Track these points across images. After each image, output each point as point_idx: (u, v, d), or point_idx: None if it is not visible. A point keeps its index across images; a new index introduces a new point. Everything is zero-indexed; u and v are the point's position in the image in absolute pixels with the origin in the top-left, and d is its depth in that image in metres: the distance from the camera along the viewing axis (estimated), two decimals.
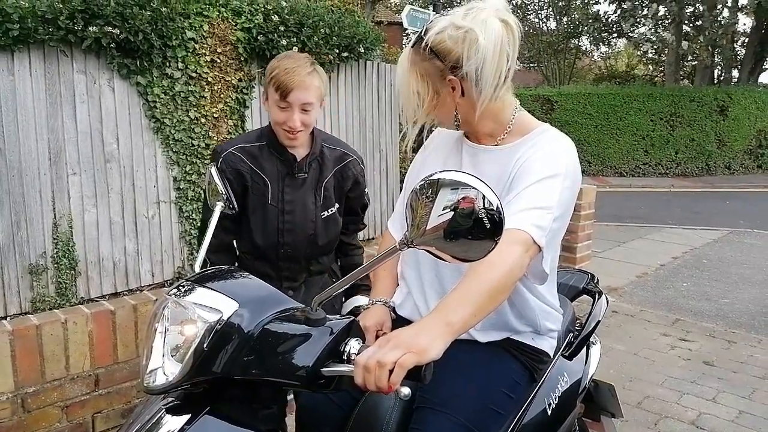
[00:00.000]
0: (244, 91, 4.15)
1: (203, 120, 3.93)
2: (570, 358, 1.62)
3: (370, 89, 5.08)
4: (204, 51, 3.86)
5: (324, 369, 0.98)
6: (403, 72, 1.28)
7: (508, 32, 1.22)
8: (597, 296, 1.88)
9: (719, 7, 13.33)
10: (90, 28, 3.23)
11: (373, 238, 5.07)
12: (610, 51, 24.62)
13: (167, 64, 3.68)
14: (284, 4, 4.23)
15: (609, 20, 17.48)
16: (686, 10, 14.17)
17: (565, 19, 21.40)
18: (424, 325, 1.02)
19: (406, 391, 0.93)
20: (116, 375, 2.23)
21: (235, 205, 1.52)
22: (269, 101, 1.71)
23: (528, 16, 23.03)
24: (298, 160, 1.79)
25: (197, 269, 1.26)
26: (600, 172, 13.01)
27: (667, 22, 15.42)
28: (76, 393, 2.14)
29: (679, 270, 5.56)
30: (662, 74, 20.14)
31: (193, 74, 3.82)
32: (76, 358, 2.12)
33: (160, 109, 3.71)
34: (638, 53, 21.69)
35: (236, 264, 1.90)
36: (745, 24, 16.39)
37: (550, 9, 22.47)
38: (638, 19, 14.86)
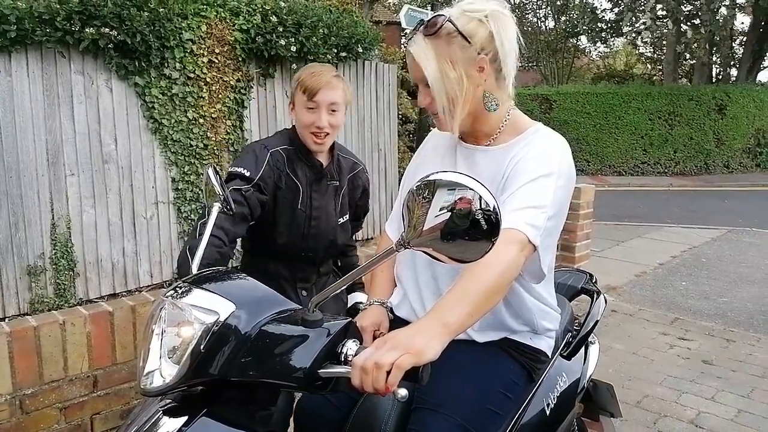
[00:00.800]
0: (243, 91, 4.15)
1: (201, 120, 3.92)
2: (568, 357, 1.62)
3: (369, 89, 5.08)
4: (202, 51, 3.85)
5: (321, 370, 0.98)
6: (429, 60, 1.23)
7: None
8: (595, 295, 1.88)
9: (717, 3, 13.33)
10: (87, 29, 3.23)
11: (371, 238, 5.07)
12: (608, 50, 24.64)
13: (165, 64, 3.68)
14: (282, 4, 4.22)
15: (607, 18, 17.48)
16: (684, 8, 14.16)
17: (563, 18, 21.40)
18: (421, 326, 1.02)
19: (403, 392, 0.93)
20: (114, 376, 2.23)
21: (233, 206, 1.51)
22: (296, 107, 1.76)
23: (527, 16, 23.05)
24: (325, 167, 1.84)
25: (194, 270, 1.26)
26: (599, 171, 13.01)
27: (664, 20, 15.42)
28: (75, 394, 2.14)
29: (678, 269, 5.56)
30: (661, 73, 20.14)
31: (191, 75, 3.81)
32: (75, 360, 2.12)
33: (158, 110, 3.71)
34: (636, 52, 21.69)
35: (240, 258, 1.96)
36: (743, 22, 16.41)
37: (549, 8, 22.49)
38: (636, 15, 14.84)
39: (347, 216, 1.95)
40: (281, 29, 4.13)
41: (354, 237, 2.14)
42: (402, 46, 12.79)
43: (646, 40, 15.70)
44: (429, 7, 10.72)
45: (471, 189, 0.88)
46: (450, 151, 1.41)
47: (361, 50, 4.79)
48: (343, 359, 1.00)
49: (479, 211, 0.88)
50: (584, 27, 16.93)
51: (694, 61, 15.54)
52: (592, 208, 4.48)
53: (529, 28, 22.57)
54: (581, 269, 2.23)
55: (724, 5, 13.40)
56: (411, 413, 1.27)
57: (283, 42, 4.12)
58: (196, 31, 3.78)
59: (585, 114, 12.94)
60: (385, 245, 1.57)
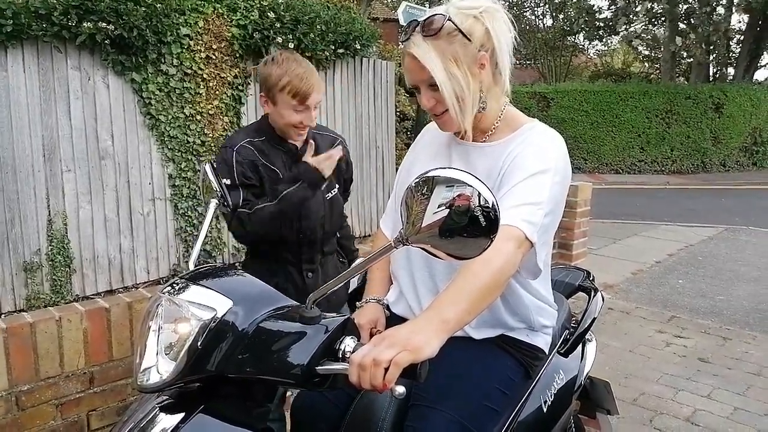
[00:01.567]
0: (240, 87, 4.13)
1: (198, 117, 3.91)
2: (566, 355, 1.63)
3: (366, 86, 5.07)
4: (199, 47, 3.84)
5: (319, 367, 0.97)
6: (435, 61, 1.21)
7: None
8: (592, 293, 1.88)
9: (713, 4, 13.35)
10: (84, 24, 3.21)
11: (368, 235, 5.07)
12: (606, 48, 24.64)
13: (162, 60, 3.66)
14: (280, 0, 4.21)
15: (603, 17, 17.46)
16: (680, 8, 14.18)
17: (561, 16, 21.39)
18: (418, 323, 1.01)
19: (400, 390, 0.93)
20: (111, 373, 2.22)
21: (230, 202, 1.51)
22: (279, 105, 1.79)
23: (524, 13, 23.02)
24: (300, 148, 1.89)
25: (191, 266, 1.25)
26: (596, 169, 13.02)
27: (661, 20, 15.43)
28: (71, 391, 2.13)
29: (675, 267, 5.57)
30: (658, 72, 20.16)
31: (189, 71, 3.80)
32: (71, 356, 2.11)
33: (155, 106, 3.69)
34: (634, 51, 21.70)
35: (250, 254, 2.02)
36: (740, 21, 16.42)
37: (547, 6, 22.47)
38: (631, 17, 14.84)
39: (335, 190, 1.99)
40: (278, 26, 4.12)
41: (351, 226, 2.18)
42: (400, 43, 12.76)
43: (641, 41, 15.70)
44: (427, 5, 10.71)
45: (470, 186, 0.88)
46: (444, 147, 1.40)
47: (358, 47, 4.78)
48: (340, 356, 1.00)
49: (478, 207, 0.87)
50: (581, 26, 16.91)
51: (692, 60, 15.53)
52: (590, 206, 4.48)
53: (527, 26, 22.55)
54: (578, 267, 2.23)
55: (721, 5, 13.42)
56: (408, 410, 1.27)
57: (280, 38, 4.11)
58: (194, 27, 3.77)
59: (582, 112, 12.94)
60: (381, 242, 1.56)
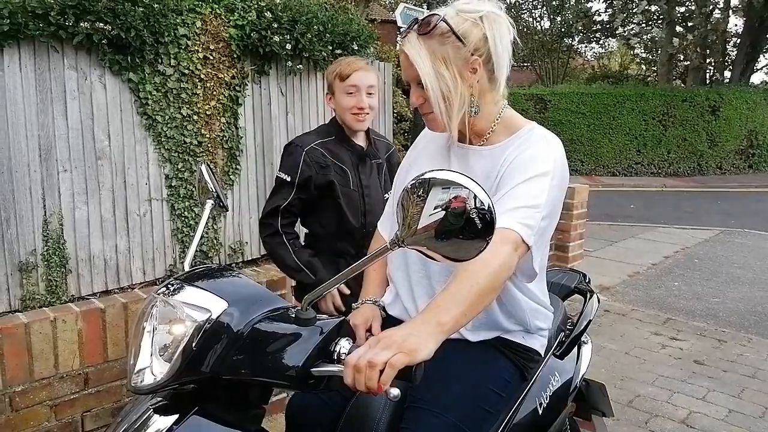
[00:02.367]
0: (237, 88, 4.13)
1: (196, 117, 3.91)
2: (561, 357, 1.63)
3: None
4: (197, 48, 3.84)
5: (314, 369, 0.97)
6: (423, 58, 1.22)
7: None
8: (589, 295, 1.88)
9: (710, 7, 13.39)
10: (81, 24, 3.21)
11: None
12: (603, 51, 24.70)
13: (159, 60, 3.66)
14: (277, 1, 4.21)
15: (600, 19, 17.50)
16: (677, 10, 14.22)
17: (558, 18, 21.43)
18: (414, 325, 1.01)
19: (395, 392, 0.92)
20: (106, 374, 2.21)
21: (225, 204, 1.51)
22: (336, 95, 1.92)
23: (522, 16, 23.06)
24: (365, 149, 2.01)
25: (187, 267, 1.25)
26: (592, 172, 13.05)
27: (658, 21, 15.47)
28: (65, 392, 2.12)
29: (671, 269, 5.58)
30: (655, 74, 20.21)
31: (186, 71, 3.79)
32: (66, 357, 2.10)
33: (152, 106, 3.69)
34: (631, 53, 21.76)
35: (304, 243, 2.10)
36: (736, 25, 16.49)
37: (544, 8, 22.51)
38: (628, 17, 14.87)
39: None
40: (276, 26, 4.12)
41: None
42: (398, 44, 12.77)
43: (638, 41, 15.74)
44: (425, 6, 10.71)
45: (466, 188, 0.87)
46: (443, 150, 1.40)
47: (356, 48, 4.78)
48: (335, 358, 0.99)
49: (474, 209, 0.87)
50: (578, 28, 16.95)
51: (688, 63, 15.57)
52: (586, 208, 4.49)
53: (524, 28, 22.58)
54: (574, 269, 2.23)
55: (718, 8, 13.46)
56: (403, 412, 1.26)
57: (277, 39, 4.11)
58: (191, 27, 3.77)
59: (579, 114, 12.97)
60: (378, 244, 1.56)
